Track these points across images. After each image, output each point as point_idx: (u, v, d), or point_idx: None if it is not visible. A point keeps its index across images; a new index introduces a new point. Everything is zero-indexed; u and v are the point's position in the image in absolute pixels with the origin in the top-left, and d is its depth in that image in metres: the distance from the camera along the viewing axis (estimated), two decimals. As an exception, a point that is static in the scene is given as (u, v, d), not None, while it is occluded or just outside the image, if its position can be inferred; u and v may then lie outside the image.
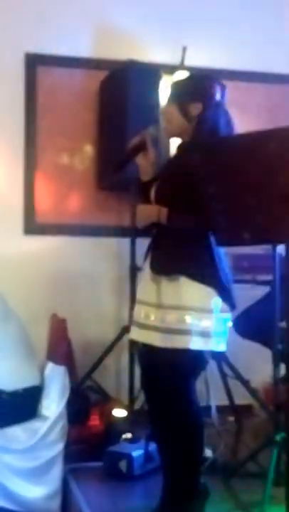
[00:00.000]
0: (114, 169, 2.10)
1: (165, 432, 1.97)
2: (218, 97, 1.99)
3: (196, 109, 1.97)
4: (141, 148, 2.02)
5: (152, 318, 1.92)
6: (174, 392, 1.91)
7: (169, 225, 1.91)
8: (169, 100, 2.04)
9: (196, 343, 1.86)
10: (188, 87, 2.02)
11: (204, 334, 1.87)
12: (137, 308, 2.00)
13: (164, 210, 1.92)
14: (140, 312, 1.97)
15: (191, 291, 1.87)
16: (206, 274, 1.88)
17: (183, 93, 2.00)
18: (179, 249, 1.90)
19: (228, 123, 1.99)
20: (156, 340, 1.90)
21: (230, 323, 1.95)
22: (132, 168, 2.08)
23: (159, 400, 1.94)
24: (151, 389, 1.99)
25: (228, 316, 1.95)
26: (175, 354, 1.87)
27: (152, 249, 1.99)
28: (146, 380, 2.02)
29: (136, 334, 1.99)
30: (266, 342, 2.37)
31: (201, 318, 1.86)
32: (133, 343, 2.57)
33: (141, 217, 1.99)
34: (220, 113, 1.98)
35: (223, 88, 2.01)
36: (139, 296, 2.03)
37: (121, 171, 2.07)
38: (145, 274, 2.00)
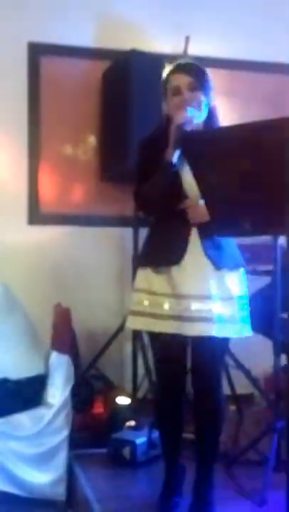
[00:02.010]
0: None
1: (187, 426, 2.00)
2: None
3: (212, 100, 1.94)
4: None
5: (218, 310, 1.88)
6: (218, 384, 1.97)
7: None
8: (194, 86, 1.88)
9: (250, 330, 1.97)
10: (208, 77, 1.93)
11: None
12: (196, 304, 1.88)
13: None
14: (197, 306, 1.88)
15: (244, 280, 1.98)
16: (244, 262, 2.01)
17: (208, 83, 1.92)
18: (229, 242, 1.95)
19: None
20: (228, 332, 1.90)
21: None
22: (134, 159, 2.08)
23: (202, 392, 1.95)
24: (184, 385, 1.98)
25: None
26: (227, 343, 1.98)
27: (206, 245, 1.89)
28: (179, 375, 1.98)
29: (187, 329, 1.87)
30: (267, 332, 2.39)
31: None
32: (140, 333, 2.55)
33: (200, 216, 1.85)
34: None
35: None
36: (190, 290, 1.88)
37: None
38: (191, 269, 1.89)
